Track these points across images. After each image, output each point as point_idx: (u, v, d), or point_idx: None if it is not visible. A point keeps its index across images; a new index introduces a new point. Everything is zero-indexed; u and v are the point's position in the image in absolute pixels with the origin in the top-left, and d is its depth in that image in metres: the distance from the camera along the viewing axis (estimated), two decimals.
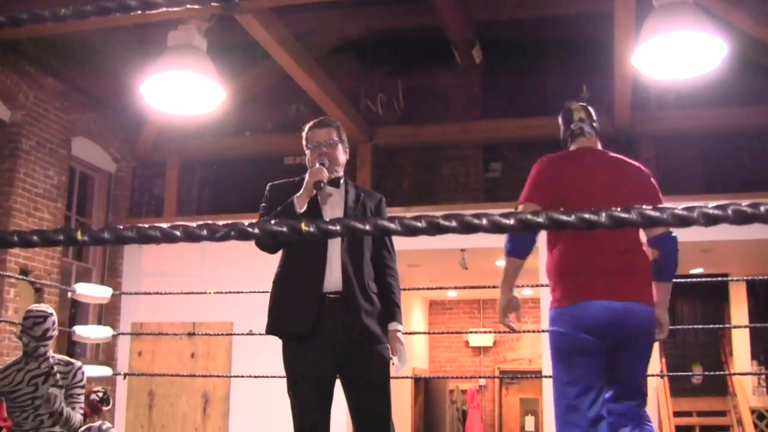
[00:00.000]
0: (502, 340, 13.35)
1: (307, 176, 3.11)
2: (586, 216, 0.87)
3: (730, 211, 0.85)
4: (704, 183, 9.61)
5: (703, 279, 9.09)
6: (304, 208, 3.07)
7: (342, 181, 3.32)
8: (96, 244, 0.95)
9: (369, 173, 9.19)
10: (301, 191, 3.07)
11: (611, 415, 3.02)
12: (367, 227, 0.92)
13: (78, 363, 4.19)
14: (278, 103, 9.91)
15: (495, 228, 0.89)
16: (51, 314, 4.10)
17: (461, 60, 9.07)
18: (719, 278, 8.84)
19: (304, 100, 9.15)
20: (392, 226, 0.90)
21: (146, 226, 0.97)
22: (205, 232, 0.95)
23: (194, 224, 0.96)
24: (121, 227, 0.97)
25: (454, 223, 0.88)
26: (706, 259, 9.34)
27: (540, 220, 0.88)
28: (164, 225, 0.99)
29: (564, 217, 0.88)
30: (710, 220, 0.85)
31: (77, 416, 3.96)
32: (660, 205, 0.86)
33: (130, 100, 8.38)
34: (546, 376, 7.90)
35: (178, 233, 0.94)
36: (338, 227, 0.93)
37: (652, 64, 5.59)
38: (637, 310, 2.98)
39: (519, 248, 3.07)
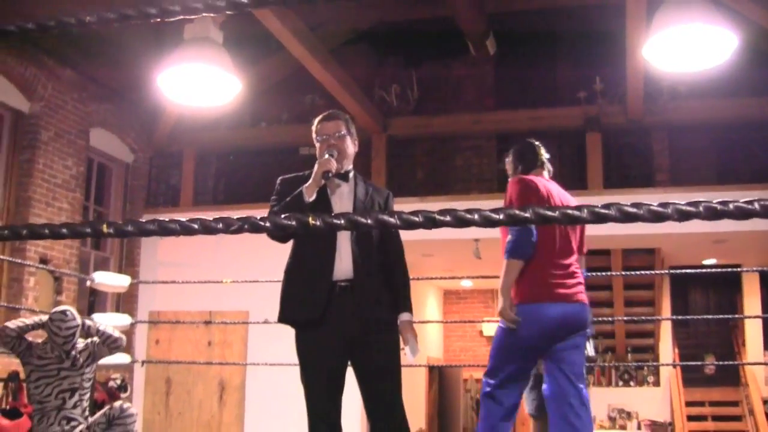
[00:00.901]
0: None
1: (315, 167, 3.18)
2: (569, 212, 0.94)
3: (701, 208, 0.92)
4: (717, 173, 9.61)
5: (716, 269, 9.12)
6: (313, 197, 3.13)
7: (351, 174, 3.38)
8: (120, 236, 1.04)
9: (383, 163, 9.25)
10: (310, 181, 3.14)
11: (564, 395, 3.52)
12: (369, 221, 1.00)
13: (89, 340, 4.33)
14: (293, 94, 9.98)
15: (486, 222, 0.97)
16: (78, 325, 4.24)
17: (475, 51, 9.11)
18: (732, 269, 8.85)
19: (319, 91, 9.22)
20: (392, 220, 0.98)
21: (167, 219, 1.04)
22: (221, 226, 1.03)
23: (211, 218, 1.04)
24: (143, 221, 1.05)
25: (448, 218, 0.96)
26: (719, 249, 9.36)
27: (527, 215, 0.95)
28: (183, 218, 1.06)
29: (549, 213, 0.95)
30: (683, 216, 0.92)
31: (115, 332, 4.36)
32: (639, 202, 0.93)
33: (146, 92, 8.49)
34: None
35: (196, 226, 1.02)
36: (342, 221, 1.01)
37: (663, 56, 5.61)
38: (585, 308, 3.62)
39: (522, 251, 3.52)
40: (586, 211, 0.93)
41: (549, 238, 3.56)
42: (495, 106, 9.79)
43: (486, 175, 9.98)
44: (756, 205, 0.91)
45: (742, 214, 0.91)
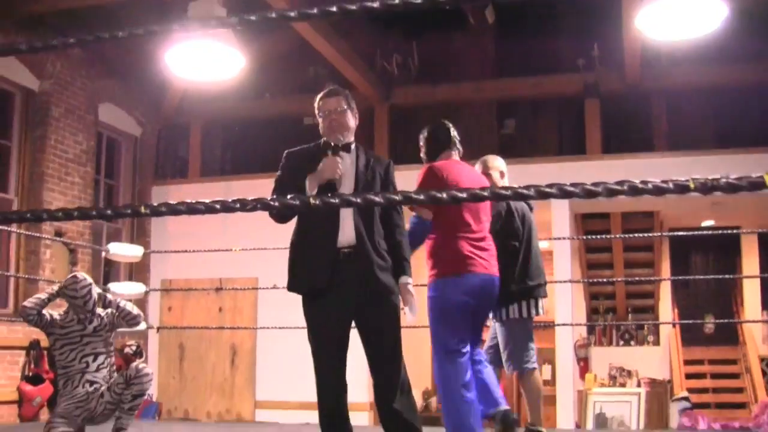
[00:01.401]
0: None
1: (322, 166, 3.37)
2: (520, 191, 1.16)
3: (626, 186, 1.14)
4: (715, 138, 9.76)
5: (716, 231, 9.32)
6: (315, 191, 3.34)
7: (353, 146, 3.58)
8: (155, 215, 1.26)
9: (385, 133, 9.44)
10: (313, 180, 3.36)
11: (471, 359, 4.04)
12: (358, 200, 1.22)
13: (108, 310, 4.57)
14: (296, 66, 10.14)
15: (454, 201, 1.19)
16: (90, 283, 4.48)
17: (474, 21, 9.23)
18: (731, 231, 9.01)
19: (322, 63, 9.37)
20: (377, 199, 1.20)
21: (194, 201, 1.26)
22: (238, 205, 1.25)
23: (229, 199, 1.27)
24: (175, 203, 1.27)
25: (422, 197, 1.18)
26: (718, 212, 9.55)
27: (485, 194, 1.17)
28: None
29: (504, 192, 1.17)
30: (611, 193, 1.14)
31: (134, 309, 4.61)
32: (571, 184, 1.14)
33: (152, 66, 8.65)
34: (559, 325, 8.25)
35: (218, 206, 1.25)
36: (337, 200, 1.23)
37: (657, 24, 5.74)
38: (497, 281, 4.05)
39: (414, 243, 3.90)
40: (533, 190, 1.15)
41: (460, 218, 3.94)
42: (495, 75, 9.94)
43: (487, 141, 10.15)
44: (670, 185, 1.13)
45: (658, 191, 1.13)
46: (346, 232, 3.38)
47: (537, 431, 4.65)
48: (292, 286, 3.47)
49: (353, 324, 3.46)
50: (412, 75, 9.62)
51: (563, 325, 8.17)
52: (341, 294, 3.35)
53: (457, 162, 4.18)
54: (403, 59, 9.52)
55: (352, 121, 3.60)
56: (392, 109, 9.60)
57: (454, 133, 4.23)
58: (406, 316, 3.52)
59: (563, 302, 8.56)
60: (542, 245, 10.71)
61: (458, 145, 4.22)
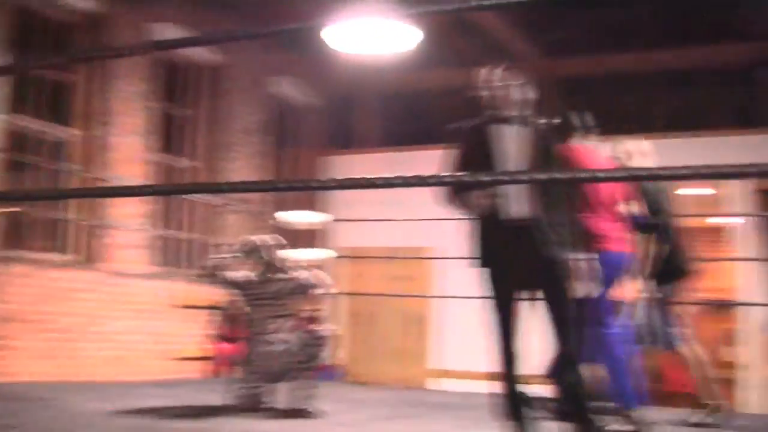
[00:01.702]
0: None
1: (477, 198, 3.41)
2: (724, 170, 1.16)
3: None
4: None
5: None
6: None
7: (519, 121, 3.58)
8: (326, 189, 1.38)
9: (552, 105, 9.25)
10: (471, 202, 3.46)
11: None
12: (523, 178, 1.27)
13: (289, 274, 4.81)
14: (462, 37, 10.07)
15: (652, 178, 1.22)
16: (275, 247, 4.74)
17: None
18: None
19: (488, 34, 9.28)
20: (540, 177, 1.25)
21: (347, 178, 1.35)
22: (399, 181, 1.34)
23: (391, 175, 1.35)
24: (343, 178, 1.37)
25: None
26: None
27: (685, 173, 1.19)
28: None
29: (705, 171, 1.18)
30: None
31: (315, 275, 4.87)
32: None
33: (323, 38, 8.87)
34: (744, 304, 7.87)
35: (379, 182, 1.34)
36: (489, 178, 1.29)
37: None
38: (629, 258, 4.22)
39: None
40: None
41: (596, 199, 4.06)
42: (665, 45, 9.48)
43: (656, 113, 9.75)
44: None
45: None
46: (520, 205, 3.42)
47: (704, 404, 4.74)
48: (473, 263, 3.57)
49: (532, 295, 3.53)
50: (579, 45, 9.36)
51: (748, 304, 7.87)
52: (515, 266, 3.46)
53: (583, 146, 4.34)
54: (569, 29, 9.28)
55: (517, 94, 3.63)
56: (559, 80, 9.40)
57: (578, 121, 4.44)
58: (577, 290, 3.53)
59: (747, 281, 8.17)
60: (718, 221, 10.14)
61: (586, 131, 4.40)
